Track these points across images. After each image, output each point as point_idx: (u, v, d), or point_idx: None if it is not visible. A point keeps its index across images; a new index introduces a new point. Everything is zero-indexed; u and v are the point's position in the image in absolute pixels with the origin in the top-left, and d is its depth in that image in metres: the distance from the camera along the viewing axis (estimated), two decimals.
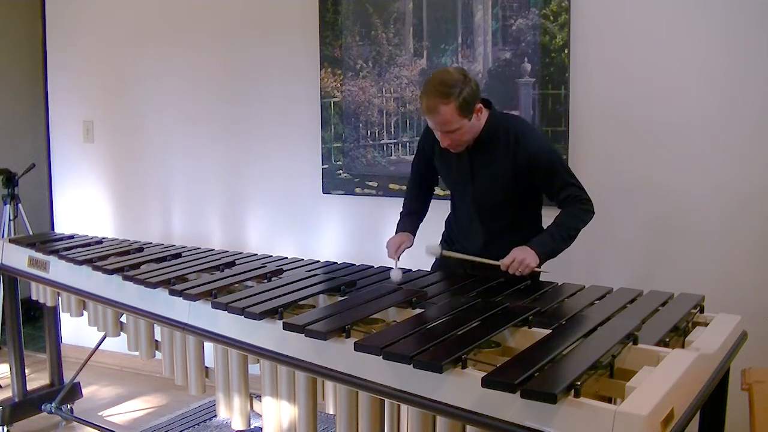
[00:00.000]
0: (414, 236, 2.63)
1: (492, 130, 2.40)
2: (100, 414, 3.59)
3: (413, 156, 2.75)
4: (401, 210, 2.72)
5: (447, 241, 2.67)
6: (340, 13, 3.40)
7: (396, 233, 2.62)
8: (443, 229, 2.71)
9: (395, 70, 3.32)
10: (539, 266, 2.31)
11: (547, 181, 2.40)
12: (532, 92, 3.00)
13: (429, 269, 2.62)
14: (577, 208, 2.39)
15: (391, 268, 2.52)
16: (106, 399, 3.79)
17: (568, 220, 2.38)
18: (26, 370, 3.43)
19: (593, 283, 2.27)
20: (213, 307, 2.09)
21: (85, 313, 2.80)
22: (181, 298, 2.21)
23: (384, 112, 3.36)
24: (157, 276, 2.40)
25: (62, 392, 3.39)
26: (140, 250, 2.91)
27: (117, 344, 3.37)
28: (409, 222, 2.66)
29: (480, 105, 2.34)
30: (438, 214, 2.72)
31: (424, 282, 2.34)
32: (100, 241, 3.13)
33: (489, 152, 2.42)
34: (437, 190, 2.81)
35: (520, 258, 2.28)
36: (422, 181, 2.74)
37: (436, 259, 2.58)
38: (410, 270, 2.52)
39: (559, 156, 2.51)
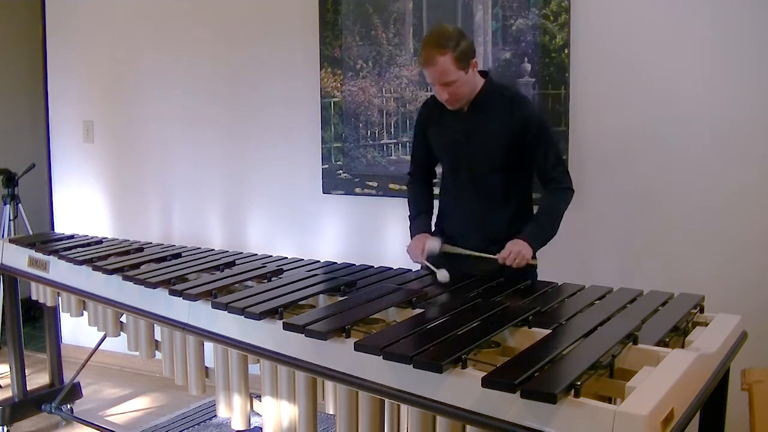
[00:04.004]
0: (431, 235, 2.59)
1: (488, 93, 2.46)
2: (100, 414, 3.59)
3: (411, 148, 2.75)
4: (409, 214, 2.70)
5: (439, 234, 2.65)
6: (340, 13, 3.40)
7: (412, 238, 2.59)
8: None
9: (395, 70, 3.32)
10: (533, 257, 2.36)
11: (535, 144, 2.44)
12: (532, 92, 3.00)
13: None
14: (560, 190, 2.46)
15: (391, 268, 2.53)
16: (106, 399, 3.79)
17: (553, 204, 2.46)
18: (26, 370, 3.43)
19: (593, 283, 2.27)
20: (213, 307, 2.09)
21: (85, 313, 2.80)
22: (181, 298, 2.21)
23: (384, 112, 3.36)
24: (157, 276, 2.40)
25: (62, 392, 3.39)
26: (140, 250, 2.91)
27: (117, 344, 3.37)
28: (422, 223, 2.64)
29: (476, 60, 2.40)
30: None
31: (424, 282, 2.34)
32: (100, 241, 3.13)
33: (485, 113, 2.46)
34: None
35: (516, 250, 2.33)
36: (423, 172, 2.73)
37: (431, 257, 2.53)
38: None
39: (550, 126, 2.57)
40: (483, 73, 2.50)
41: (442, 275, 2.28)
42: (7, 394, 3.50)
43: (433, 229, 2.66)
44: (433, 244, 2.46)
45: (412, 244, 2.53)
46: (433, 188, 2.76)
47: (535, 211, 2.54)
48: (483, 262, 2.40)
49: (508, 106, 2.44)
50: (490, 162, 2.48)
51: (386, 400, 1.69)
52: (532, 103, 2.58)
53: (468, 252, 2.44)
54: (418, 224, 2.64)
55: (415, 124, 2.72)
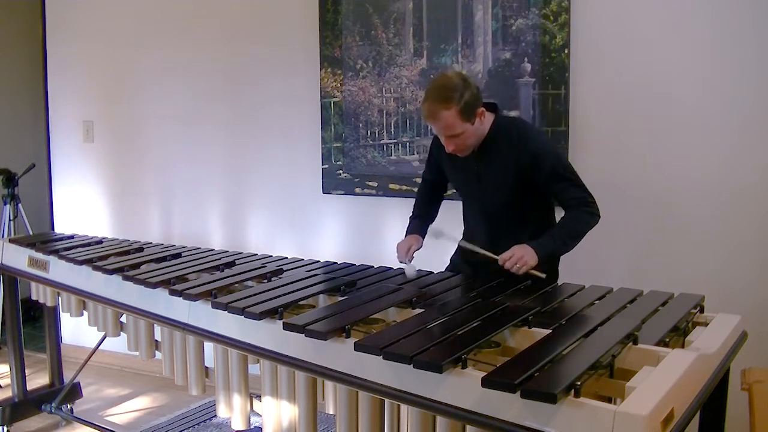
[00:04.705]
0: (423, 238, 2.62)
1: (497, 133, 2.41)
2: (100, 414, 3.59)
3: (425, 159, 2.78)
4: (411, 214, 2.73)
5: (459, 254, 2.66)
6: (340, 13, 3.40)
7: (405, 236, 2.63)
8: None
9: (395, 70, 3.32)
10: (538, 267, 2.29)
11: (550, 182, 2.39)
12: (532, 92, 3.00)
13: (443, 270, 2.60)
14: (581, 211, 2.38)
15: (391, 268, 2.53)
16: (106, 399, 3.79)
17: (571, 222, 2.38)
18: (26, 370, 3.43)
19: (593, 283, 2.27)
20: (213, 307, 2.09)
21: (85, 313, 2.80)
22: (181, 298, 2.21)
23: (384, 112, 3.36)
24: (157, 276, 2.40)
25: (62, 392, 3.39)
26: (140, 250, 2.91)
27: (117, 344, 3.37)
28: (418, 224, 2.67)
29: (482, 109, 2.34)
30: (455, 215, 2.69)
31: (424, 282, 2.34)
32: (100, 241, 3.13)
33: (493, 154, 2.42)
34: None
35: (519, 255, 2.27)
36: (432, 183, 2.75)
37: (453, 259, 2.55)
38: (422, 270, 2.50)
39: (563, 158, 2.50)
40: (491, 106, 2.43)
41: (409, 270, 2.38)
42: (7, 394, 3.50)
43: (425, 231, 2.67)
44: (438, 229, 2.50)
45: (401, 243, 2.58)
46: (442, 194, 2.77)
47: None
48: (487, 262, 2.38)
49: (515, 144, 2.38)
50: (501, 200, 2.46)
51: (386, 400, 1.69)
52: (540, 137, 2.50)
53: (471, 247, 2.42)
54: (412, 226, 2.67)
55: (430, 146, 2.70)
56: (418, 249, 2.57)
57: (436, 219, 2.73)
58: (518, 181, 2.40)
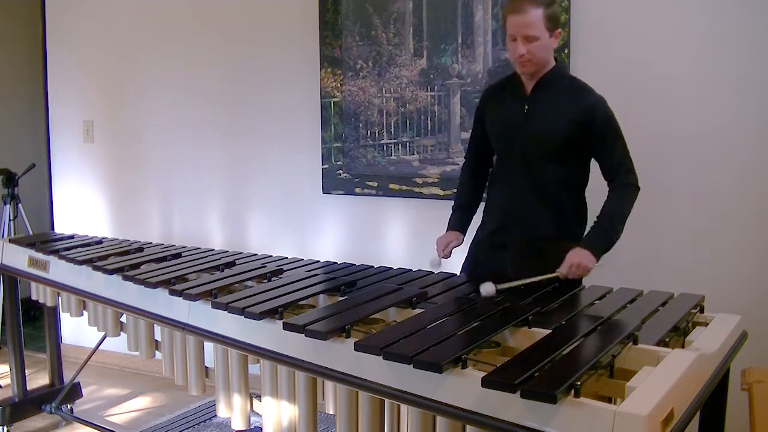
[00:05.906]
0: (464, 234, 2.57)
1: (555, 77, 2.38)
2: (100, 414, 3.59)
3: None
4: (453, 203, 2.65)
5: (472, 246, 2.58)
6: (340, 13, 3.40)
7: (446, 230, 2.57)
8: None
9: (395, 70, 3.32)
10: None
11: (601, 138, 2.33)
12: None
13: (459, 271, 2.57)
14: (625, 185, 2.33)
15: (391, 268, 2.52)
16: (106, 399, 3.79)
17: (616, 206, 2.33)
18: (26, 370, 3.43)
19: (594, 283, 2.26)
20: (213, 307, 2.09)
21: (85, 313, 2.80)
22: (181, 298, 2.21)
23: (384, 112, 3.36)
24: (157, 276, 2.40)
25: (62, 392, 3.39)
26: (140, 250, 2.91)
27: (117, 344, 3.37)
28: (460, 218, 2.60)
29: (560, 31, 2.34)
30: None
31: (425, 282, 2.34)
32: (100, 241, 3.13)
33: (548, 94, 2.37)
34: None
35: (577, 262, 2.21)
36: (477, 161, 2.62)
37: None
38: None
39: (617, 120, 2.37)
40: (555, 60, 2.42)
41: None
42: (7, 394, 3.50)
43: (467, 225, 2.59)
44: (488, 288, 2.11)
45: (440, 239, 2.52)
46: (485, 174, 2.64)
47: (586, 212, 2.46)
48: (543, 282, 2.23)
49: (573, 94, 2.35)
50: (546, 149, 2.36)
51: (386, 400, 1.69)
52: (598, 96, 2.38)
53: (528, 281, 2.19)
54: (453, 219, 2.60)
55: (475, 110, 2.61)
56: (458, 245, 2.52)
57: (479, 205, 2.63)
58: (569, 130, 2.32)
